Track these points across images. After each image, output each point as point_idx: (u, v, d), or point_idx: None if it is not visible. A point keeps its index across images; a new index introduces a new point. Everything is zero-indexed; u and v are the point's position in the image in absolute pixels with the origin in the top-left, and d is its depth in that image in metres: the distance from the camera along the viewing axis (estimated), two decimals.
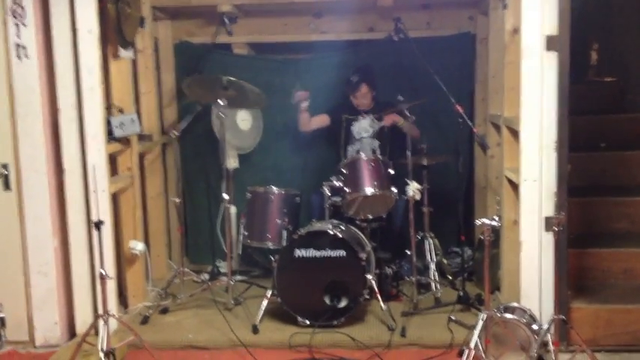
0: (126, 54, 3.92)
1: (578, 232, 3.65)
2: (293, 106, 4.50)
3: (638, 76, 5.03)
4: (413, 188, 3.82)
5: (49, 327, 3.59)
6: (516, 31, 3.58)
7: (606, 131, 4.67)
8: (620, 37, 5.36)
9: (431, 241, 4.19)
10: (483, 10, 4.55)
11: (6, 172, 3.50)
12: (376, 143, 4.47)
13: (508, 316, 3.20)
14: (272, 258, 3.76)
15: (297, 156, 4.84)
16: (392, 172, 3.96)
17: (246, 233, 4.14)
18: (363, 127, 4.47)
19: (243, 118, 4.57)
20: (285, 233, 4.04)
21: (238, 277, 4.39)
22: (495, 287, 3.97)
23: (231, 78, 3.82)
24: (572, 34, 3.27)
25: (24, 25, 3.41)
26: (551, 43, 3.29)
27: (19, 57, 3.44)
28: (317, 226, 3.85)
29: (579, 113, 3.59)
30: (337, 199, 3.94)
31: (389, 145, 4.46)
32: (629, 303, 3.46)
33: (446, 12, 4.78)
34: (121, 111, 3.86)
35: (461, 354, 3.27)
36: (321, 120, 4.62)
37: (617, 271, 3.73)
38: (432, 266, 4.14)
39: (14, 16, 3.41)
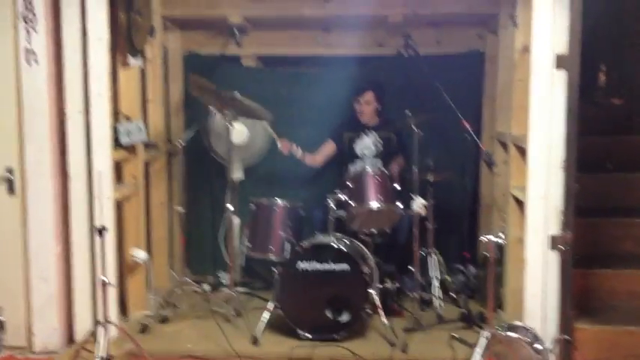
0: (135, 62, 3.94)
1: (583, 253, 3.62)
2: (299, 118, 4.50)
3: None
4: (418, 204, 3.81)
5: (48, 333, 3.56)
6: (526, 49, 3.59)
7: (613, 152, 4.65)
8: (629, 60, 5.36)
9: (435, 257, 4.17)
10: (493, 29, 4.57)
11: (11, 177, 3.50)
12: (379, 163, 4.45)
13: (511, 334, 3.17)
14: (274, 270, 3.73)
15: (302, 169, 4.83)
16: (398, 187, 3.94)
17: (249, 245, 4.12)
18: (366, 145, 4.46)
19: (238, 131, 4.48)
20: (288, 245, 4.02)
21: (240, 289, 4.37)
22: (498, 305, 3.93)
23: (235, 94, 3.80)
24: (581, 54, 3.26)
25: (35, 30, 3.43)
26: (561, 62, 3.28)
27: (28, 62, 3.45)
28: (320, 239, 3.83)
29: (587, 134, 3.58)
30: (342, 212, 3.92)
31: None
32: (633, 325, 3.44)
33: (455, 30, 4.80)
34: (128, 118, 3.87)
35: None
36: (327, 150, 4.63)
37: (621, 292, 3.70)
38: (435, 283, 4.11)
39: (25, 22, 3.42)
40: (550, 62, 3.31)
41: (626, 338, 3.36)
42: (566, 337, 3.05)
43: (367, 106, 4.48)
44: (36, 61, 3.45)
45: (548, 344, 3.11)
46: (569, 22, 3.26)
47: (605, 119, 5.07)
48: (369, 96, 4.46)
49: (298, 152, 4.44)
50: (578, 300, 3.48)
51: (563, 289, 3.08)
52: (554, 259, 3.27)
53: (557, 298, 3.19)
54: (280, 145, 4.40)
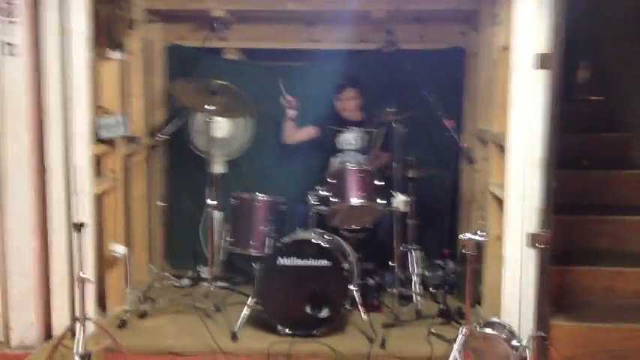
0: (115, 55, 3.90)
1: (559, 249, 3.66)
2: (281, 113, 4.49)
3: (625, 95, 5.07)
4: (399, 200, 3.82)
5: (25, 328, 3.53)
6: (507, 47, 3.60)
7: (592, 149, 4.70)
8: (609, 57, 5.40)
9: (415, 253, 4.20)
10: (475, 26, 4.58)
11: None
12: (360, 157, 4.45)
13: (488, 331, 3.20)
14: (254, 265, 3.73)
15: (284, 163, 4.82)
16: (379, 183, 3.95)
17: (229, 239, 4.11)
18: (348, 139, 4.47)
19: (218, 127, 4.41)
20: (269, 241, 4.01)
21: (219, 284, 4.36)
22: (476, 301, 3.97)
23: (222, 82, 3.79)
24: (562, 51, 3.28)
25: (13, 22, 3.38)
26: (541, 61, 3.30)
27: (6, 55, 3.40)
28: (301, 234, 3.84)
29: (566, 131, 3.63)
30: (322, 208, 3.92)
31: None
32: (608, 322, 3.48)
33: (438, 26, 4.81)
34: (107, 112, 3.83)
35: None
36: (307, 132, 4.62)
37: (597, 289, 3.75)
38: (415, 278, 4.14)
39: (4, 14, 3.37)
40: (530, 61, 3.33)
41: (602, 335, 3.40)
42: (542, 333, 3.08)
43: (349, 102, 4.49)
44: (14, 54, 3.40)
45: (525, 340, 3.14)
46: (551, 21, 3.27)
47: (584, 116, 5.11)
48: (349, 92, 4.47)
49: (291, 112, 4.45)
50: (554, 296, 3.52)
51: (541, 286, 3.11)
52: (531, 257, 3.31)
53: (534, 295, 3.23)
54: (289, 99, 4.41)
